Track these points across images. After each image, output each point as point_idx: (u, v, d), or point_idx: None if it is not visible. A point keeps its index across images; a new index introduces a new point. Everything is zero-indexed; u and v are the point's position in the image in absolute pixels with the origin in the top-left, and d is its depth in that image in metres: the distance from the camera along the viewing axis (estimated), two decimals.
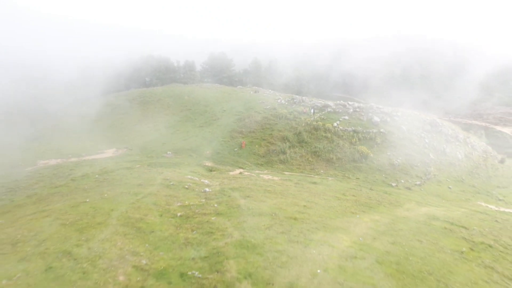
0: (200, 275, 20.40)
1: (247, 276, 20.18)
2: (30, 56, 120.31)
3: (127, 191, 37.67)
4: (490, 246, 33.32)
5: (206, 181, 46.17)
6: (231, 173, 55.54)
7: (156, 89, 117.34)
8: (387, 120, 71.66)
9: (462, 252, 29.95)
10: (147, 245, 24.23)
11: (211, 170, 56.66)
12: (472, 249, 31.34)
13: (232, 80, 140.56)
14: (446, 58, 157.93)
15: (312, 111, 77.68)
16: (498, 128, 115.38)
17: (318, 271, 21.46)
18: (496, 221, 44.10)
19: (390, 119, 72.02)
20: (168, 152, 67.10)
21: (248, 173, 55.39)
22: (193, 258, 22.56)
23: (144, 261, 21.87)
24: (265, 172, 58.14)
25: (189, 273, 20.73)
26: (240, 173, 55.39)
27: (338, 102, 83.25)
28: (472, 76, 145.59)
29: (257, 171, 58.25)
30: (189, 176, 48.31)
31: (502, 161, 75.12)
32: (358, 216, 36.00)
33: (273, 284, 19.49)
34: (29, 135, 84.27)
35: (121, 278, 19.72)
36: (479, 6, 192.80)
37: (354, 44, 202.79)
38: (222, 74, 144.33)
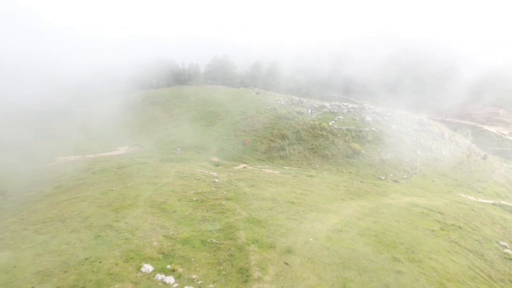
0: (217, 242, 25.40)
1: (254, 242, 25.17)
2: (45, 62, 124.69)
3: (147, 182, 42.60)
4: (460, 228, 38.30)
5: (215, 173, 51.11)
6: (236, 167, 60.36)
7: (163, 90, 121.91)
8: (379, 119, 76.53)
9: (433, 231, 34.99)
10: (171, 221, 29.23)
11: (217, 165, 61.46)
12: (442, 229, 36.34)
13: (235, 82, 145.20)
14: (438, 61, 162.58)
15: (309, 111, 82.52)
16: (485, 127, 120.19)
17: (310, 239, 26.48)
18: (472, 209, 49.05)
19: (381, 119, 76.88)
20: (178, 149, 71.83)
21: (251, 168, 60.26)
22: (210, 230, 27.55)
23: (171, 232, 26.88)
24: (266, 166, 62.93)
25: (208, 240, 25.73)
26: (244, 167, 60.24)
27: (333, 103, 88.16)
28: (462, 78, 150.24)
29: (259, 166, 63.05)
30: (199, 170, 53.17)
31: (484, 158, 79.89)
32: (347, 202, 41.05)
33: (274, 247, 24.49)
34: (44, 134, 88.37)
35: (155, 243, 24.68)
36: (470, 11, 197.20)
37: (352, 48, 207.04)
38: (225, 76, 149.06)
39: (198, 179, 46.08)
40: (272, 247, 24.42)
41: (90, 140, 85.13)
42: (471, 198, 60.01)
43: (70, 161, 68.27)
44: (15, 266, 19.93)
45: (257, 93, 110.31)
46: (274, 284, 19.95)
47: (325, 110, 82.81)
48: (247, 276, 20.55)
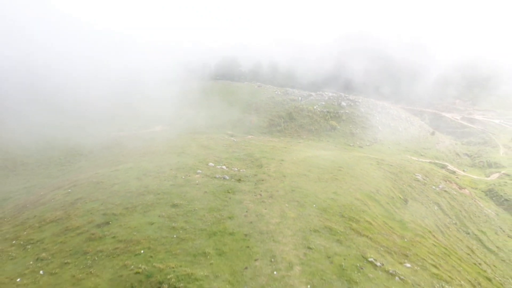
0: (244, 158, 44.17)
1: (263, 157, 44.20)
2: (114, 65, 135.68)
3: (191, 138, 61.11)
4: (391, 165, 56.84)
5: (233, 138, 69.70)
6: (245, 137, 78.81)
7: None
8: (351, 104, 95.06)
9: (371, 164, 53.52)
10: (216, 152, 48.19)
11: (232, 136, 79.82)
12: (378, 164, 54.88)
13: (240, 78, 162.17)
14: (410, 61, 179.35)
15: (299, 98, 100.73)
16: (444, 113, 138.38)
17: (294, 158, 45.38)
18: (409, 162, 67.70)
19: (353, 104, 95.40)
20: (201, 127, 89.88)
21: (256, 137, 78.75)
22: (238, 154, 46.40)
23: (217, 155, 45.63)
24: (267, 138, 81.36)
25: (239, 157, 44.46)
26: (252, 137, 78.65)
27: (318, 92, 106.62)
28: (429, 75, 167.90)
29: (261, 137, 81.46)
30: (220, 136, 71.73)
31: (432, 134, 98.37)
32: (322, 151, 59.81)
33: (274, 159, 43.38)
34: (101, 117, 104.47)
35: (211, 158, 43.40)
36: (436, 16, 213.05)
37: (341, 49, 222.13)
38: (232, 73, 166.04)
39: (222, 140, 64.76)
40: (273, 158, 43.38)
41: (131, 120, 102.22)
42: (414, 158, 78.51)
43: (123, 135, 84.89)
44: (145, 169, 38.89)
45: (258, 86, 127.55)
46: (274, 168, 38.79)
47: (311, 98, 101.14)
48: (260, 166, 39.46)
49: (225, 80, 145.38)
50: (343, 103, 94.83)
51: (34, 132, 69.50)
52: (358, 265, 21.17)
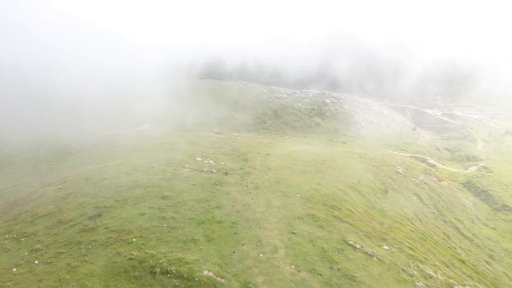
0: (230, 153, 45.23)
1: (249, 152, 45.23)
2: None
3: (180, 135, 61.94)
4: (373, 159, 58.36)
5: (219, 135, 70.67)
6: (231, 134, 79.83)
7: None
8: (335, 101, 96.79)
9: (353, 158, 55.01)
10: (203, 148, 49.08)
11: (219, 133, 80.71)
12: (360, 158, 56.34)
13: (226, 77, 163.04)
14: (394, 59, 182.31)
15: (284, 96, 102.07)
16: (425, 110, 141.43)
17: (279, 152, 46.55)
18: (391, 156, 69.30)
19: (337, 101, 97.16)
20: (188, 125, 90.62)
21: (242, 134, 79.84)
22: (225, 150, 47.43)
23: (204, 151, 46.60)
24: (253, 135, 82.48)
25: (225, 152, 45.51)
26: (238, 134, 79.69)
27: (302, 90, 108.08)
28: (412, 73, 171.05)
29: (247, 134, 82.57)
30: (207, 134, 72.64)
31: (414, 129, 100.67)
32: (306, 146, 61.14)
33: (259, 153, 44.57)
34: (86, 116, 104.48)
35: (199, 153, 44.36)
36: (417, 16, 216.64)
37: (326, 48, 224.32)
38: (218, 72, 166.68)
39: (209, 137, 65.74)
40: (258, 153, 44.61)
41: (119, 118, 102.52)
42: (396, 153, 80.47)
43: (110, 134, 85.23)
44: (136, 164, 39.69)
45: (244, 85, 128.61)
46: (260, 162, 40.00)
47: (295, 95, 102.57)
48: (246, 160, 40.63)
49: (211, 79, 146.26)
50: (327, 100, 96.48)
51: (23, 130, 69.49)
52: (339, 247, 22.48)
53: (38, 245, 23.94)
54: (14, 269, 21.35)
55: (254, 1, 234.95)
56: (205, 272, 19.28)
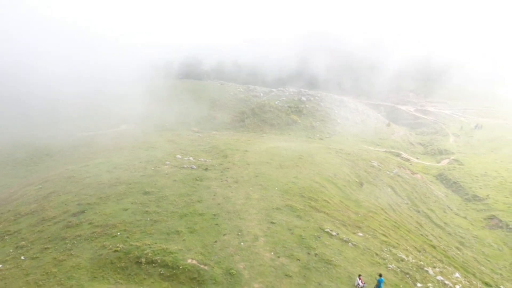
0: (209, 150, 46.04)
1: (228, 149, 46.08)
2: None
3: (159, 135, 62.32)
4: (349, 154, 60.01)
5: (198, 134, 71.27)
6: (210, 133, 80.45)
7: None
8: (311, 99, 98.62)
9: (330, 153, 56.45)
10: (182, 146, 49.74)
11: (197, 132, 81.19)
12: (337, 152, 57.88)
13: (203, 77, 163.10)
14: (370, 58, 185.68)
15: (261, 94, 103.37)
16: (399, 106, 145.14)
17: (257, 149, 47.62)
18: (366, 151, 71.04)
19: (313, 99, 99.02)
20: (166, 125, 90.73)
21: (221, 133, 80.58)
22: (204, 147, 48.17)
23: (183, 148, 47.26)
24: (231, 133, 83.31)
25: (204, 149, 46.27)
26: (216, 133, 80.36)
27: (279, 88, 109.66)
28: (387, 71, 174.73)
29: (226, 132, 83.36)
30: (185, 132, 73.11)
31: (388, 125, 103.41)
32: (283, 142, 62.40)
33: (238, 150, 45.48)
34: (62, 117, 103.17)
35: (178, 151, 45.02)
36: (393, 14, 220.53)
37: (304, 48, 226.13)
38: (195, 71, 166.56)
39: (188, 135, 66.28)
40: (237, 150, 45.53)
41: (95, 121, 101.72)
42: (371, 148, 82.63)
43: (89, 135, 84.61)
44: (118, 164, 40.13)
45: (221, 84, 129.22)
46: (238, 158, 40.97)
47: (272, 94, 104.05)
48: (225, 157, 41.55)
49: (188, 79, 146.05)
50: (303, 98, 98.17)
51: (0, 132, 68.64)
52: (316, 234, 23.72)
53: (23, 242, 24.32)
54: (0, 265, 21.72)
55: (231, 0, 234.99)
56: (189, 261, 20.18)
